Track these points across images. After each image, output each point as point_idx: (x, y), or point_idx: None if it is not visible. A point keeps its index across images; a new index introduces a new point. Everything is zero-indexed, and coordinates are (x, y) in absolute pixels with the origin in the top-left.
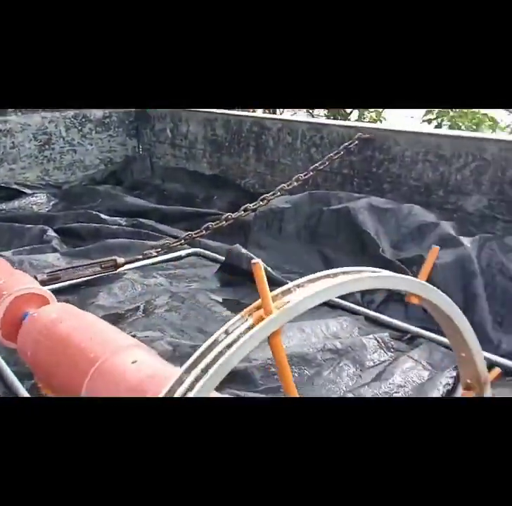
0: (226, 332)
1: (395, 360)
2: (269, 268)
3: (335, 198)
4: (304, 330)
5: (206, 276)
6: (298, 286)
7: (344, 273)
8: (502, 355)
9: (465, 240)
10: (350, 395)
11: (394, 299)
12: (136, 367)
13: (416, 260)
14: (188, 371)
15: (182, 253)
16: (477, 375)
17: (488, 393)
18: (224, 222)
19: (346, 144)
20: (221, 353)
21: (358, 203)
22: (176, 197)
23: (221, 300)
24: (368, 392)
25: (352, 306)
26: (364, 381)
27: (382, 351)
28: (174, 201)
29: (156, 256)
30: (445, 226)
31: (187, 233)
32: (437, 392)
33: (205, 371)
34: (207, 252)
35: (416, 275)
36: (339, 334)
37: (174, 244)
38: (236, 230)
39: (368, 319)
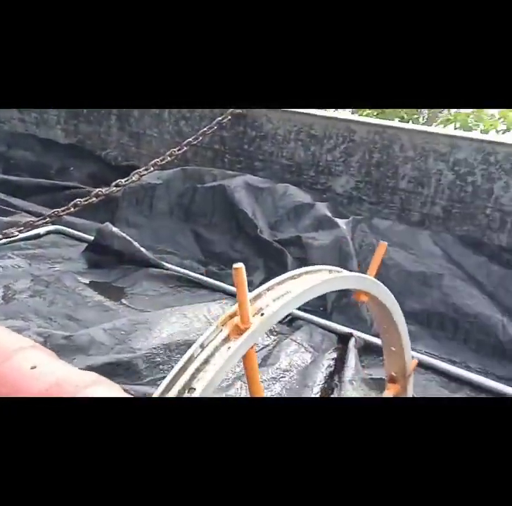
0: (202, 346)
1: (279, 344)
2: (142, 249)
3: (209, 175)
4: (186, 315)
5: (71, 257)
6: (267, 289)
7: (306, 272)
8: (374, 335)
9: (341, 222)
10: (240, 382)
11: (267, 279)
12: (36, 374)
13: (294, 241)
14: (164, 392)
15: (41, 231)
16: (403, 368)
17: (411, 384)
18: (95, 198)
19: (219, 119)
20: (198, 370)
21: (233, 181)
22: (26, 167)
23: (90, 283)
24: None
25: (231, 288)
26: None
27: (265, 335)
28: (23, 171)
29: (17, 235)
30: (320, 207)
31: (53, 210)
32: (321, 374)
33: (182, 392)
34: (69, 230)
35: (294, 258)
36: (220, 317)
37: (39, 223)
38: (101, 206)
39: None
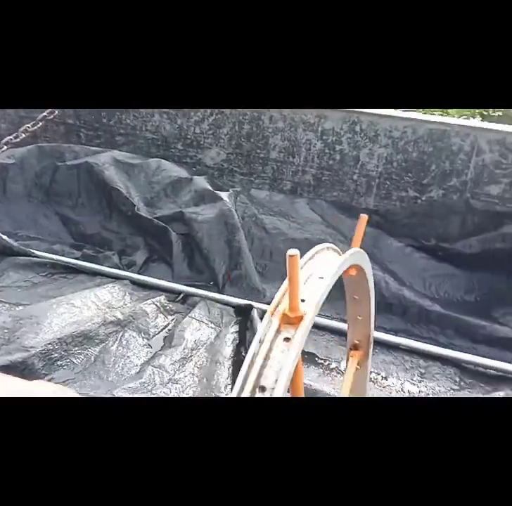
0: (260, 341)
1: (179, 323)
2: (4, 236)
3: (69, 152)
4: (74, 305)
5: None
6: None
7: (317, 252)
8: (267, 303)
9: (224, 195)
10: (150, 367)
11: (152, 259)
12: None
13: (176, 217)
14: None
15: None
16: (367, 335)
17: (371, 350)
18: None
19: None
20: (263, 367)
21: (100, 158)
22: None
23: None
24: (166, 361)
25: (111, 270)
26: (156, 350)
27: (162, 316)
28: None
29: None
30: (199, 181)
31: None
32: (228, 349)
33: (253, 393)
34: None
35: (179, 234)
36: (112, 303)
37: None
38: None
39: (136, 283)
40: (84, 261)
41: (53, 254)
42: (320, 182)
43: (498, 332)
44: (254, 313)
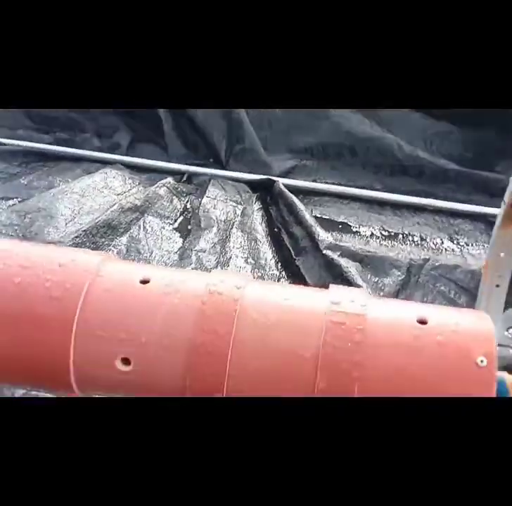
0: None
1: (200, 204)
2: None
3: None
4: (78, 193)
5: None
6: None
7: None
8: (278, 176)
9: None
10: (193, 252)
11: (137, 140)
12: (158, 289)
13: None
14: None
15: None
16: None
17: None
18: None
19: None
20: None
21: None
22: None
23: None
24: (206, 245)
25: (102, 155)
26: (187, 234)
27: (176, 198)
28: None
29: None
30: None
31: None
32: (261, 227)
33: None
34: None
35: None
36: (116, 189)
37: None
38: None
39: (129, 166)
40: (58, 146)
41: (16, 140)
42: None
43: None
44: (280, 186)
